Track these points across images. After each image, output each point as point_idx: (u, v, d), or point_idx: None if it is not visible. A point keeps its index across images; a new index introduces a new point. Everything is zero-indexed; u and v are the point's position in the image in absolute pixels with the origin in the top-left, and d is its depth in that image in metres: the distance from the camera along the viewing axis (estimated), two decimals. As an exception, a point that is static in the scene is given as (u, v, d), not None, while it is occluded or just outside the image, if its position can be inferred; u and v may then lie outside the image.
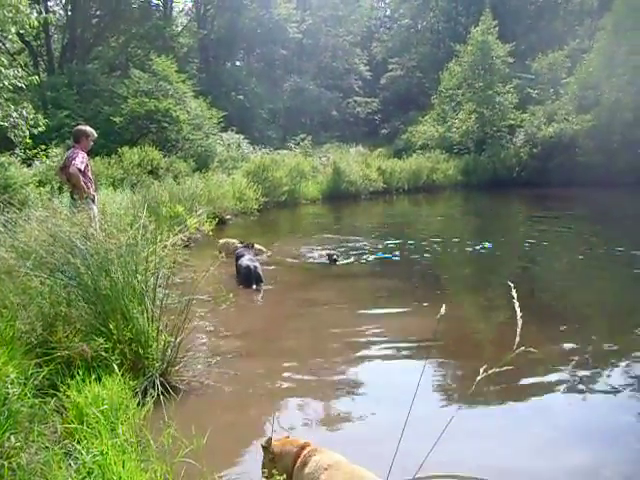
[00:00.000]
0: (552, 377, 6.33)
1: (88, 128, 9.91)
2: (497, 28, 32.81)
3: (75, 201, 8.70)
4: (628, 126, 26.92)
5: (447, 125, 34.46)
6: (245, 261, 10.66)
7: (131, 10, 36.81)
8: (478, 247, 13.57)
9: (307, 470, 3.63)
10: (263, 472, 3.90)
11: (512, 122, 31.92)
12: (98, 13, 36.08)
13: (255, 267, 10.48)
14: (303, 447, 3.83)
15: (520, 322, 2.58)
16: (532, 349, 2.65)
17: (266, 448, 3.88)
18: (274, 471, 3.70)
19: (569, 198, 23.77)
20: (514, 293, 2.70)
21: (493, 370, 2.64)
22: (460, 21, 46.50)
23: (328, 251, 12.63)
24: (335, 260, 11.99)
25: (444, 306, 2.78)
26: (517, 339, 2.60)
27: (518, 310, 2.61)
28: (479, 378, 2.58)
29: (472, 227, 18.65)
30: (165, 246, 6.33)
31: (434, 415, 5.12)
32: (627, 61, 27.87)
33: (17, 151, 16.03)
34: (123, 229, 6.21)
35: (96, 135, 10.02)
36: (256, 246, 12.27)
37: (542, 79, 34.57)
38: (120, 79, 30.07)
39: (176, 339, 5.84)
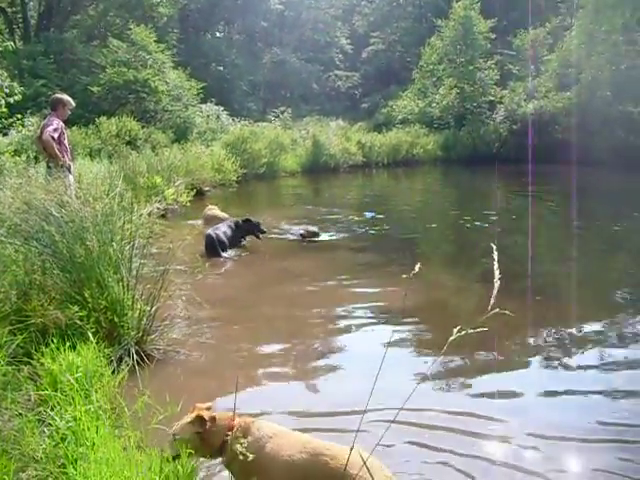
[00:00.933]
0: (526, 343, 6.46)
1: (66, 96, 9.85)
2: (479, 3, 32.67)
3: (51, 169, 8.62)
4: (607, 104, 27.04)
5: (427, 100, 34.41)
6: (208, 230, 10.74)
7: (110, -23, 36.24)
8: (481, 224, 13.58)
9: (251, 439, 3.51)
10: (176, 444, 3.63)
11: (492, 98, 31.92)
12: (76, -20, 35.47)
13: (217, 235, 10.51)
14: (232, 419, 3.67)
15: (497, 284, 2.55)
16: (508, 312, 2.63)
17: (201, 419, 3.61)
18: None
19: (548, 175, 23.81)
20: (495, 255, 2.66)
21: (466, 331, 2.63)
22: (442, -5, 46.24)
23: (304, 227, 12.39)
24: (305, 236, 11.77)
25: (418, 265, 2.74)
26: (492, 301, 2.58)
27: (497, 272, 2.58)
28: (452, 338, 2.58)
29: (451, 201, 18.71)
30: (141, 215, 6.30)
31: (405, 379, 5.22)
32: (607, 40, 27.92)
33: (-8, 120, 15.83)
34: (99, 197, 6.15)
35: (74, 104, 9.96)
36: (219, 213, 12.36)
37: (523, 55, 34.53)
38: (98, 48, 29.66)
39: (152, 308, 5.84)
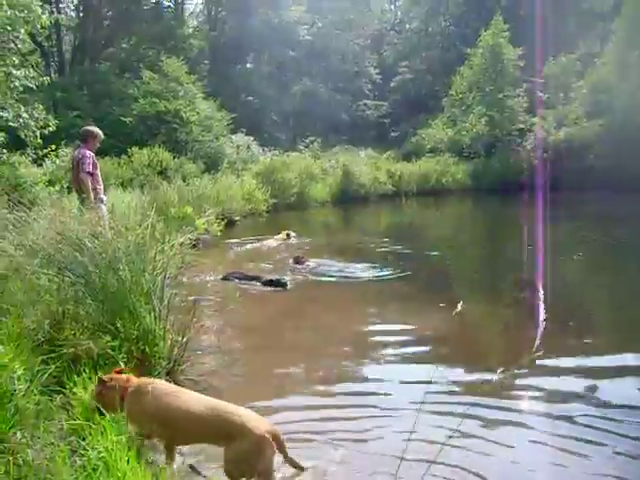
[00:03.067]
0: (565, 383, 6.27)
1: (96, 129, 9.97)
2: (508, 32, 32.75)
3: (84, 200, 8.71)
4: (640, 131, 26.78)
5: (457, 128, 34.39)
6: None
7: (142, 12, 37.05)
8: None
9: (149, 397, 4.17)
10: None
11: (522, 126, 31.83)
12: (109, 14, 36.28)
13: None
14: (127, 380, 4.34)
15: (542, 325, 2.51)
16: (551, 356, 2.60)
17: (99, 380, 4.36)
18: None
19: (580, 202, 23.66)
20: (541, 295, 2.63)
21: (509, 372, 2.60)
22: (470, 25, 46.36)
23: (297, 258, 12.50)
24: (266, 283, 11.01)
25: (461, 302, 2.72)
26: (537, 342, 2.54)
27: (542, 313, 2.54)
28: (495, 378, 2.55)
29: (482, 230, 18.63)
30: (173, 245, 6.34)
31: (442, 419, 5.13)
32: (639, 65, 27.77)
33: (28, 151, 16.09)
34: (131, 228, 6.21)
35: (103, 137, 10.08)
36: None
37: (553, 83, 34.43)
38: (131, 80, 30.15)
39: (183, 338, 5.85)
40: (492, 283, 11.40)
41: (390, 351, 7.27)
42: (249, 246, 14.57)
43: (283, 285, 10.49)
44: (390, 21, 58.78)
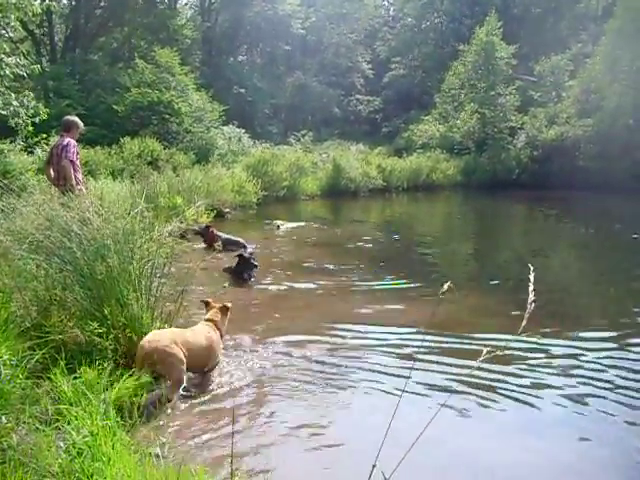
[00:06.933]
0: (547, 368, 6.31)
1: (77, 119, 9.94)
2: (501, 29, 32.83)
3: (64, 194, 8.49)
4: (630, 131, 26.93)
5: (448, 125, 34.46)
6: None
7: (135, 1, 36.79)
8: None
9: None
10: None
11: (513, 124, 31.94)
12: (102, 3, 36.05)
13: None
14: None
15: (532, 307, 2.51)
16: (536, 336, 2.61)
17: None
18: None
19: (567, 201, 23.82)
20: (531, 277, 2.61)
21: (495, 353, 2.59)
22: (464, 22, 46.49)
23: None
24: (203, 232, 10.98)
25: (448, 282, 2.70)
26: (524, 322, 2.54)
27: (532, 294, 2.54)
28: (480, 359, 2.55)
29: (470, 226, 18.70)
30: (161, 234, 6.33)
31: (426, 404, 5.16)
32: (630, 66, 27.89)
33: (18, 139, 16.01)
34: (120, 216, 6.20)
35: (84, 128, 10.10)
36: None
37: (544, 82, 34.56)
38: (123, 70, 30.01)
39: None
40: (480, 274, 11.50)
41: (374, 334, 7.40)
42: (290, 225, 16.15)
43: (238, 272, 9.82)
44: (384, 16, 58.75)
